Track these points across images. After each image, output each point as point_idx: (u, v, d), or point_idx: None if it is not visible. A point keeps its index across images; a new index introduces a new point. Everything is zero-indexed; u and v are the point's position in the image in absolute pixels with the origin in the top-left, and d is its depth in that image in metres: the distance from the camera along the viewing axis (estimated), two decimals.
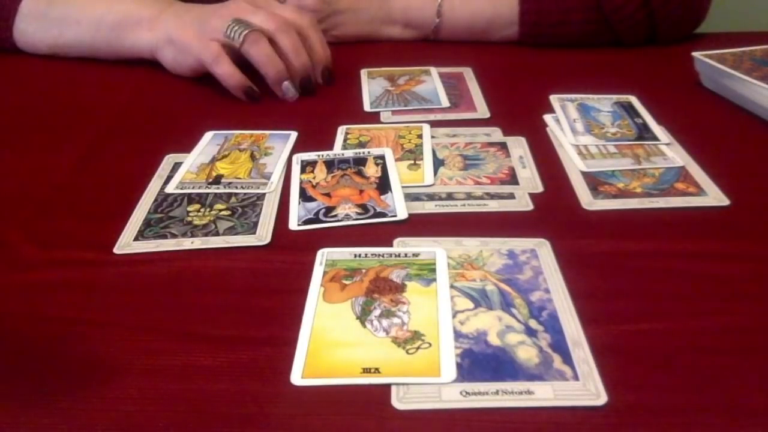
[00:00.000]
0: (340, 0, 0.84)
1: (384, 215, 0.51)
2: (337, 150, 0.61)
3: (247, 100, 0.71)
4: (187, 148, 0.62)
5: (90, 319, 0.42)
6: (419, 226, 0.50)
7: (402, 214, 0.51)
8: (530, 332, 0.40)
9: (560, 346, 0.39)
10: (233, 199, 0.54)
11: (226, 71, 0.70)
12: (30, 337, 0.41)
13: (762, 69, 0.67)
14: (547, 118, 0.66)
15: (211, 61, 0.70)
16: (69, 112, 0.71)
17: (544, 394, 0.36)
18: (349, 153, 0.60)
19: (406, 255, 0.46)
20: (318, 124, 0.66)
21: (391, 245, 0.48)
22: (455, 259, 0.46)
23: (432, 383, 0.36)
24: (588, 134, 0.62)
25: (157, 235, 0.50)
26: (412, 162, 0.59)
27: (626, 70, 0.79)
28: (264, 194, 0.55)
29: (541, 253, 0.46)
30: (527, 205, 0.53)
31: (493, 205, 0.52)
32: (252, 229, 0.50)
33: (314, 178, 0.57)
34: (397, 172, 0.57)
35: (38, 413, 0.36)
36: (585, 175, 0.56)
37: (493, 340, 0.39)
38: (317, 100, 0.72)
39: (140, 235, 0.50)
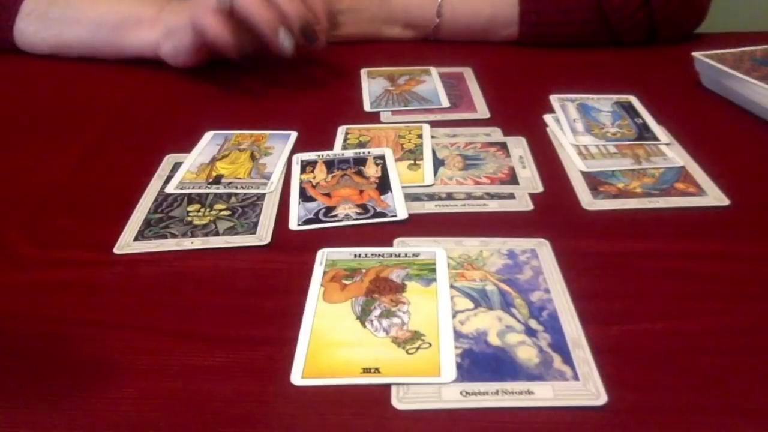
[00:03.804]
0: (340, 0, 0.84)
1: (384, 215, 0.51)
2: (337, 150, 0.61)
3: (238, 46, 0.69)
4: (187, 148, 0.62)
5: (90, 319, 0.42)
6: (419, 226, 0.50)
7: (402, 214, 0.51)
8: (530, 332, 0.40)
9: (560, 346, 0.39)
10: (233, 199, 0.54)
11: (211, 22, 0.68)
12: (30, 337, 0.41)
13: (762, 69, 0.67)
14: (547, 118, 0.66)
15: (200, 15, 0.69)
16: (69, 112, 0.71)
17: (544, 394, 0.36)
18: (349, 153, 0.60)
19: (406, 255, 0.46)
20: (318, 124, 0.66)
21: (391, 245, 0.48)
22: (455, 259, 0.46)
23: (432, 383, 0.37)
24: (588, 134, 0.62)
25: (157, 235, 0.50)
26: (412, 162, 0.59)
27: (626, 70, 0.79)
28: (264, 194, 0.55)
29: (541, 253, 0.46)
30: (527, 205, 0.52)
31: (493, 205, 0.52)
32: (252, 229, 0.50)
33: (314, 178, 0.57)
34: (397, 172, 0.57)
35: (38, 413, 0.36)
36: (585, 175, 0.56)
37: (493, 340, 0.39)
38: (317, 100, 0.72)
39: (140, 235, 0.50)
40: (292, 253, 0.48)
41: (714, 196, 0.53)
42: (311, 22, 0.71)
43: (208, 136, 0.64)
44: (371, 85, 0.75)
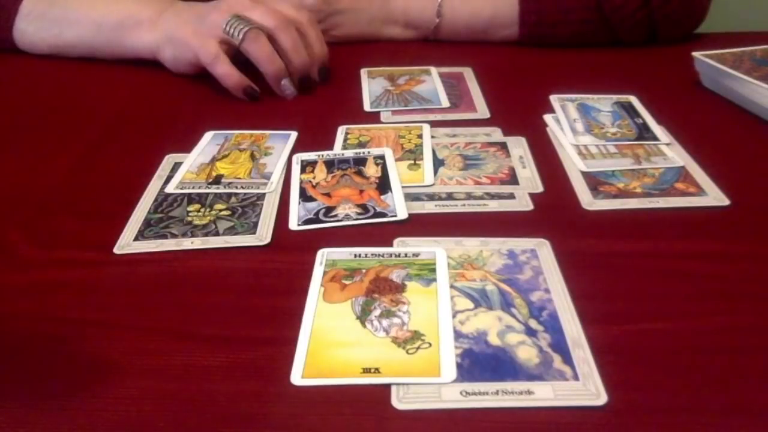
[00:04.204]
0: (340, 0, 0.84)
1: (384, 215, 0.51)
2: (337, 150, 0.61)
3: (247, 99, 0.71)
4: (187, 148, 0.62)
5: (90, 319, 0.42)
6: (419, 226, 0.50)
7: (402, 214, 0.51)
8: (530, 332, 0.40)
9: (560, 346, 0.39)
10: (233, 199, 0.54)
11: (225, 71, 0.70)
12: (30, 337, 0.41)
13: (762, 69, 0.67)
14: (547, 118, 0.66)
15: (210, 61, 0.70)
16: (69, 112, 0.71)
17: (544, 394, 0.36)
18: (349, 153, 0.60)
19: (406, 255, 0.46)
20: (318, 124, 0.66)
21: (391, 245, 0.48)
22: (455, 259, 0.46)
23: (432, 383, 0.36)
24: (588, 134, 0.62)
25: (157, 235, 0.50)
26: (412, 162, 0.59)
27: (626, 70, 0.79)
28: (264, 194, 0.55)
29: (541, 253, 0.46)
30: (527, 205, 0.53)
31: (493, 205, 0.52)
32: (252, 229, 0.50)
33: (314, 178, 0.57)
34: (397, 172, 0.57)
35: (38, 413, 0.36)
36: (585, 175, 0.56)
37: (493, 340, 0.39)
38: (317, 100, 0.72)
39: (140, 235, 0.50)
40: (292, 253, 0.48)
41: (714, 196, 0.53)
42: (310, 71, 0.73)
43: (208, 136, 0.64)
44: (371, 85, 0.75)
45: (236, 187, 0.55)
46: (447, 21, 0.85)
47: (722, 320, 0.41)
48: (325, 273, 0.45)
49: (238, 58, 0.71)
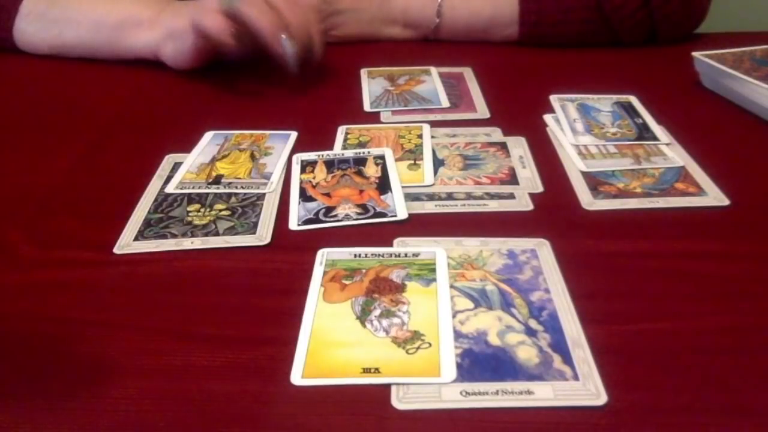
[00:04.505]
0: (340, 0, 0.84)
1: (384, 215, 0.51)
2: (337, 150, 0.61)
3: (239, 48, 0.69)
4: (187, 148, 0.62)
5: (90, 319, 0.42)
6: (419, 226, 0.50)
7: (402, 214, 0.51)
8: (530, 332, 0.40)
9: (560, 346, 0.39)
10: (233, 199, 0.54)
11: (212, 21, 0.68)
12: (30, 337, 0.41)
13: (762, 69, 0.67)
14: (547, 118, 0.66)
15: (202, 15, 0.69)
16: (69, 112, 0.71)
17: (544, 394, 0.36)
18: (349, 153, 0.60)
19: (406, 255, 0.46)
20: (318, 124, 0.66)
21: (391, 245, 0.48)
22: (455, 259, 0.46)
23: (432, 383, 0.37)
24: (588, 134, 0.62)
25: (157, 235, 0.50)
26: (412, 162, 0.59)
27: (626, 70, 0.79)
28: (264, 194, 0.55)
29: (541, 253, 0.46)
30: (527, 205, 0.53)
31: (493, 205, 0.52)
32: (252, 229, 0.50)
33: (314, 178, 0.57)
34: (397, 172, 0.57)
35: (38, 413, 0.36)
36: (585, 175, 0.56)
37: (493, 340, 0.39)
38: (317, 100, 0.72)
39: (140, 235, 0.50)
40: (292, 253, 0.48)
41: (714, 196, 0.53)
42: (310, 31, 0.71)
43: (208, 136, 0.64)
44: (371, 85, 0.75)
45: (236, 187, 0.55)
46: (447, 21, 0.85)
47: (722, 320, 0.41)
48: (325, 273, 0.45)
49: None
